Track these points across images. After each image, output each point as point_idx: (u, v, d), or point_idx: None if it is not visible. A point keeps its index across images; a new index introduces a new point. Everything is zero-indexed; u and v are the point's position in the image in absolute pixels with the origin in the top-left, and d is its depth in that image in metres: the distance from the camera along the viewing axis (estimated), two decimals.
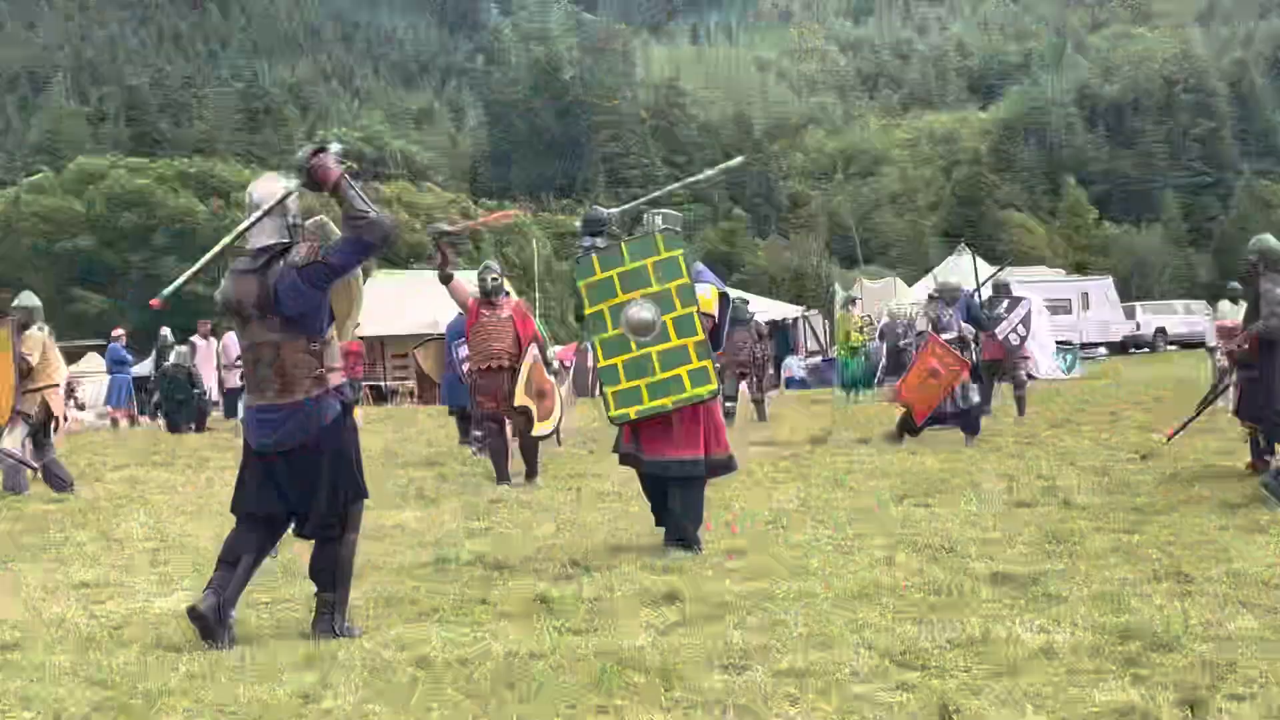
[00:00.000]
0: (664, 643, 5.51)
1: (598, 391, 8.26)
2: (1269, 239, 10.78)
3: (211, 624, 5.65)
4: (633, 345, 7.80)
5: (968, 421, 14.62)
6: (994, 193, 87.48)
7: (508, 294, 12.44)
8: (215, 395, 25.07)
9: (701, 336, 7.76)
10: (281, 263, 5.72)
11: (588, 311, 8.01)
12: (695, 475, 7.96)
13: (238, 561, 5.85)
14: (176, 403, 22.21)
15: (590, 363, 20.49)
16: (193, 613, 5.69)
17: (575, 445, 15.19)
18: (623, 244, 8.14)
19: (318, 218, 6.20)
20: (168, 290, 6.00)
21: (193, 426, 21.78)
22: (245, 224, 5.86)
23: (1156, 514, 8.78)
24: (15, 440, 12.02)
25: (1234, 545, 7.44)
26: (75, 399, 31.47)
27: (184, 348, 23.27)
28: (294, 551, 7.50)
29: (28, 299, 12.76)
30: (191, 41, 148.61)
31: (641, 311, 7.77)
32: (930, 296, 17.47)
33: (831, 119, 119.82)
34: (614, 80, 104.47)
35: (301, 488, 5.87)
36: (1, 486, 12.10)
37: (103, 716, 4.66)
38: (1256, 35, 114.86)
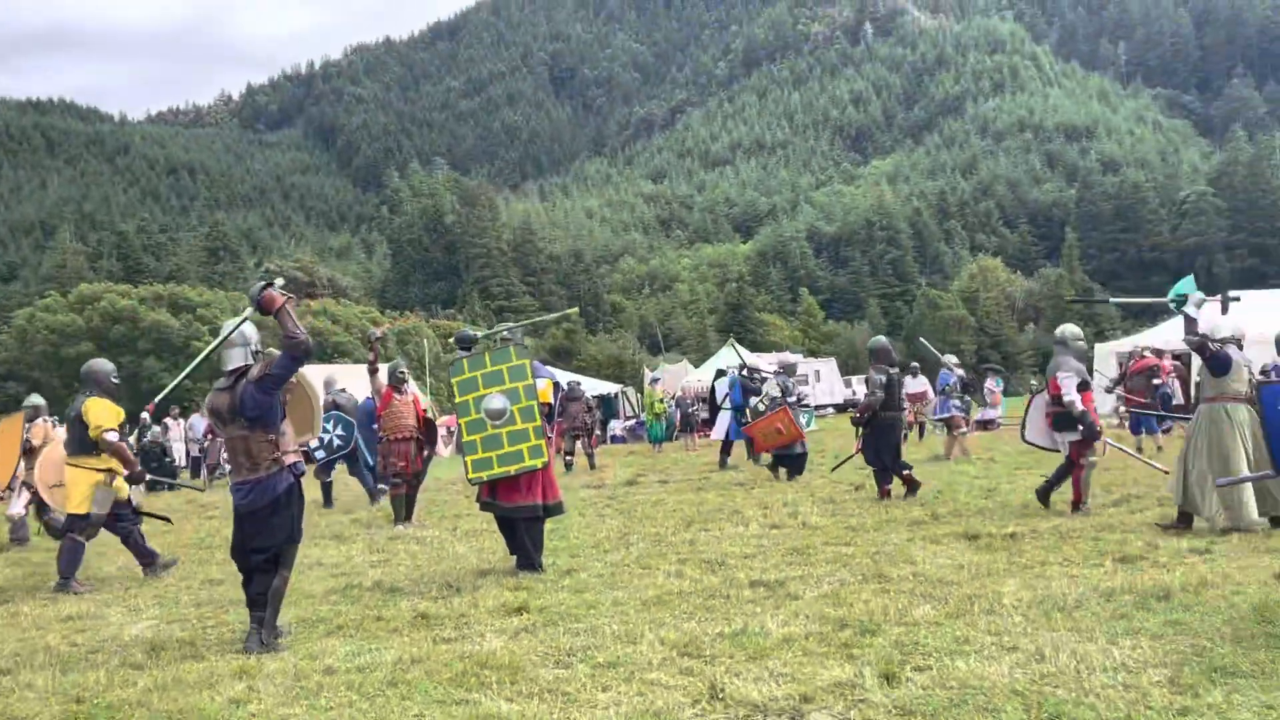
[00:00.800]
0: (512, 646, 5.34)
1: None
2: (877, 339, 11.67)
3: (258, 649, 5.63)
4: (489, 426, 7.73)
5: (799, 465, 14.70)
6: (753, 301, 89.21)
7: (408, 382, 12.27)
8: (183, 462, 23.98)
9: (539, 423, 7.74)
10: (244, 380, 5.89)
11: (457, 400, 7.96)
12: (536, 517, 7.88)
13: (263, 597, 5.83)
14: (152, 470, 21.11)
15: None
16: (248, 649, 5.64)
17: (456, 493, 14.86)
18: (486, 354, 8.13)
19: (269, 349, 6.31)
20: (158, 398, 6.15)
21: (165, 487, 20.73)
22: (210, 348, 6.27)
23: (865, 531, 8.88)
24: (18, 505, 11.36)
25: (917, 553, 7.54)
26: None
27: (158, 427, 22.24)
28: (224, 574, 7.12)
29: (34, 399, 12.23)
30: (167, 198, 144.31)
31: (495, 402, 7.74)
32: (775, 371, 17.49)
33: (639, 250, 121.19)
34: (483, 224, 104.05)
35: (261, 535, 5.92)
36: (10, 538, 11.36)
37: None
38: (928, 190, 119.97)
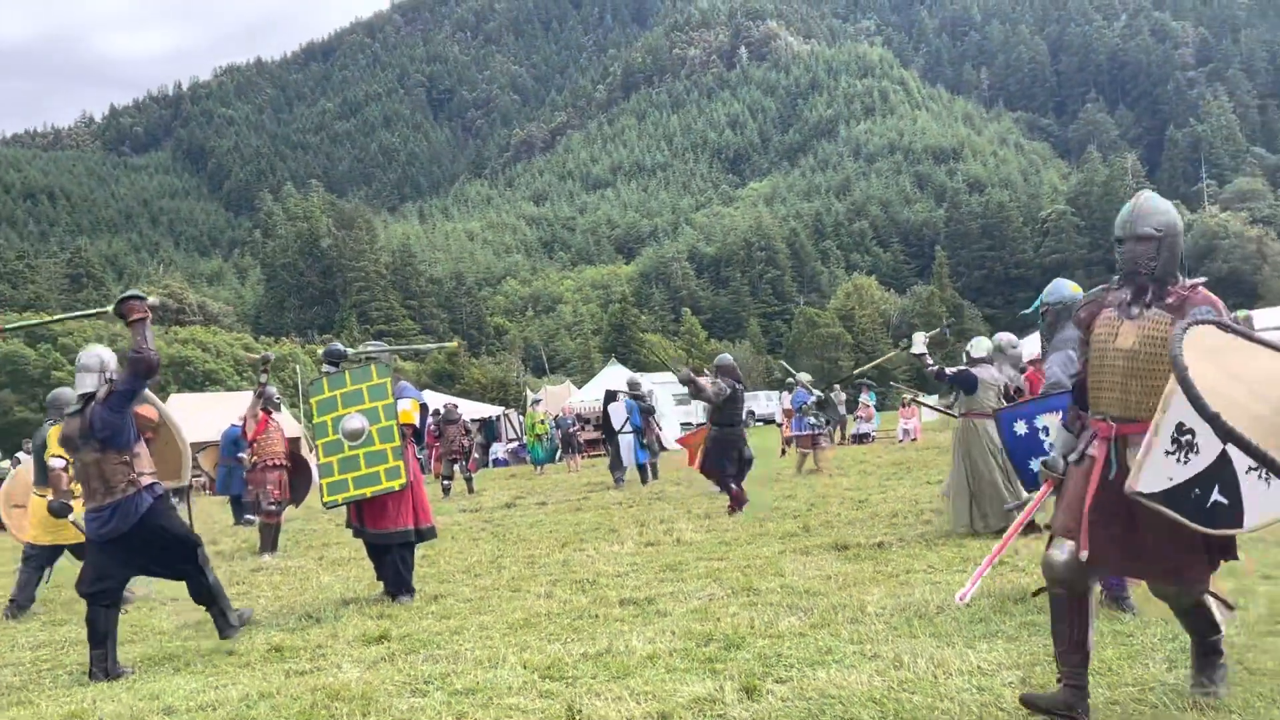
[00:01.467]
0: (368, 676, 5.13)
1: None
2: (724, 356, 11.97)
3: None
4: (346, 448, 7.45)
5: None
6: (637, 321, 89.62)
7: (280, 410, 11.95)
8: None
9: (398, 443, 7.45)
10: (94, 403, 5.85)
11: (315, 421, 7.69)
12: (408, 542, 7.63)
13: (106, 637, 5.76)
14: None
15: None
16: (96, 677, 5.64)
17: (327, 521, 14.40)
18: (346, 371, 7.82)
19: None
20: (9, 327, 6.08)
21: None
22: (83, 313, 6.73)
23: (739, 545, 8.89)
24: None
25: (787, 565, 7.56)
26: None
27: (6, 463, 21.07)
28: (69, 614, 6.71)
29: None
30: (24, 223, 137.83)
31: (353, 422, 7.46)
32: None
33: (522, 272, 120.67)
34: (361, 247, 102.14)
35: (148, 558, 5.99)
36: None
37: None
38: (804, 211, 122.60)
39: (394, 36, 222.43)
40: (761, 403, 48.00)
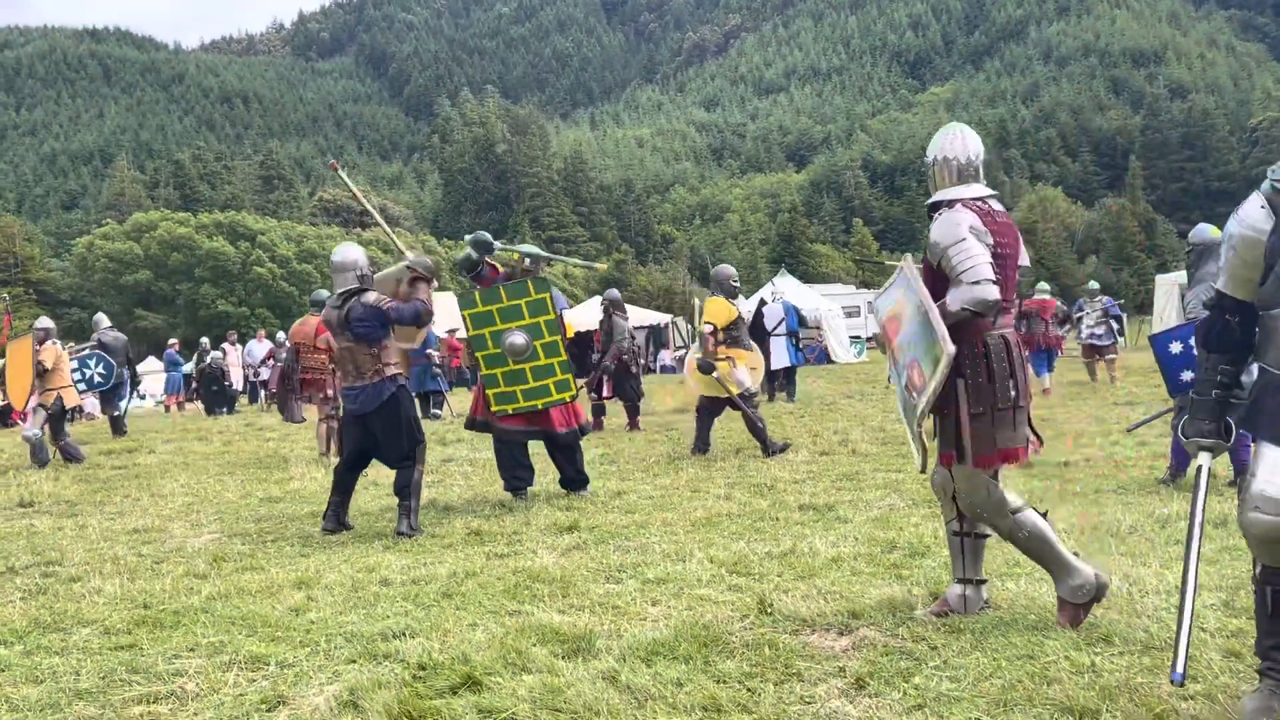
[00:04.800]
0: (563, 561, 5.43)
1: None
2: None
3: (335, 529, 6.70)
4: (509, 362, 7.52)
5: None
6: (806, 232, 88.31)
7: None
8: (240, 386, 24.43)
9: (564, 356, 7.55)
10: (355, 300, 6.61)
11: (471, 334, 7.68)
12: (574, 440, 7.81)
13: (347, 492, 6.82)
14: (212, 393, 21.61)
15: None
16: (326, 530, 6.68)
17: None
18: (501, 286, 7.67)
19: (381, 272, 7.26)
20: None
21: (224, 410, 21.20)
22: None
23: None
24: (35, 424, 11.70)
25: None
26: (138, 390, 30.61)
27: (217, 352, 22.65)
28: (283, 492, 7.29)
29: (44, 321, 12.65)
30: (222, 127, 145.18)
31: (516, 338, 7.50)
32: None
33: (690, 180, 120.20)
34: (534, 153, 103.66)
35: (382, 438, 6.66)
36: (31, 459, 11.67)
37: (141, 629, 4.47)
38: (987, 118, 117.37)
39: None
40: None
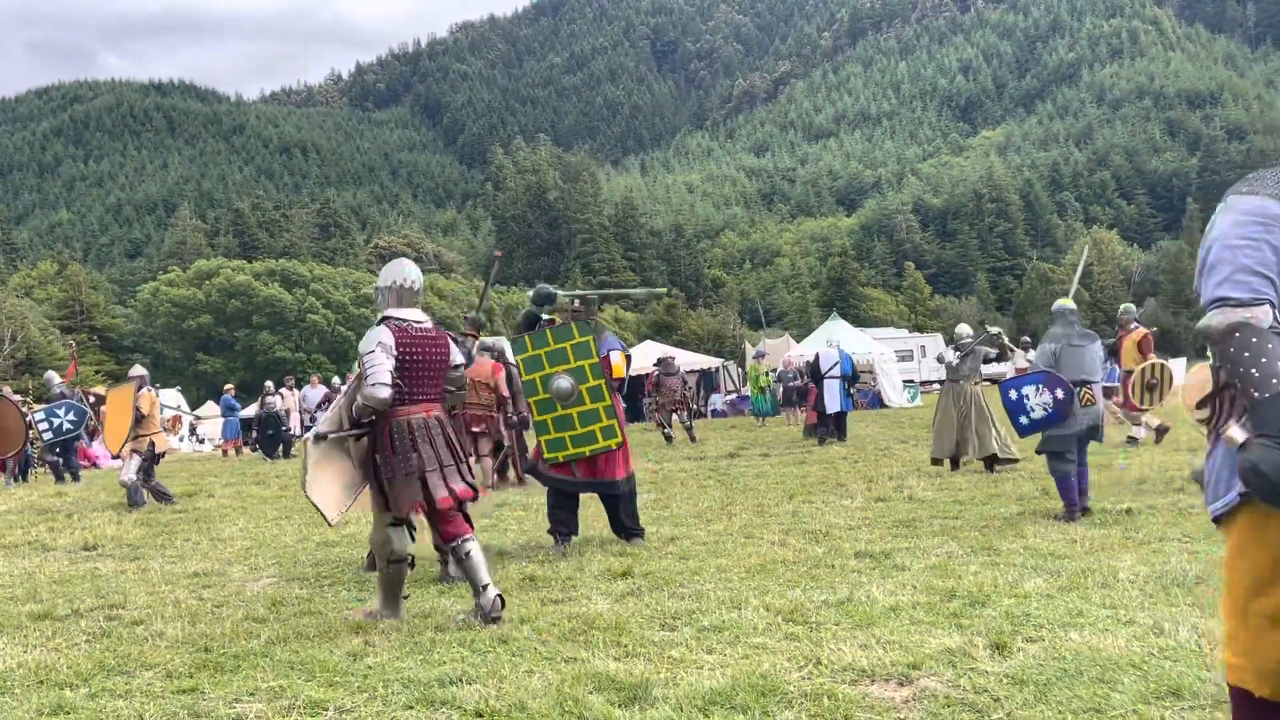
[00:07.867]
0: (618, 608, 5.41)
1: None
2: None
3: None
4: (558, 407, 7.51)
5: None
6: (857, 275, 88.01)
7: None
8: (297, 430, 24.75)
9: (609, 402, 7.47)
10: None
11: (524, 378, 7.73)
12: (630, 489, 7.78)
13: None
14: (268, 437, 21.91)
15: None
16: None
17: None
18: (548, 330, 7.70)
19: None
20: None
21: (281, 454, 21.48)
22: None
23: (973, 505, 8.74)
24: (130, 471, 11.95)
25: (1027, 527, 7.39)
26: (196, 435, 31.14)
27: (274, 397, 23.01)
28: (339, 537, 7.33)
29: (138, 370, 13.00)
30: (281, 175, 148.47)
31: (562, 382, 7.48)
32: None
33: (740, 225, 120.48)
34: (585, 199, 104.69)
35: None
36: (128, 503, 11.92)
37: (202, 673, 4.52)
38: (1039, 161, 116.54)
39: None
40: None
